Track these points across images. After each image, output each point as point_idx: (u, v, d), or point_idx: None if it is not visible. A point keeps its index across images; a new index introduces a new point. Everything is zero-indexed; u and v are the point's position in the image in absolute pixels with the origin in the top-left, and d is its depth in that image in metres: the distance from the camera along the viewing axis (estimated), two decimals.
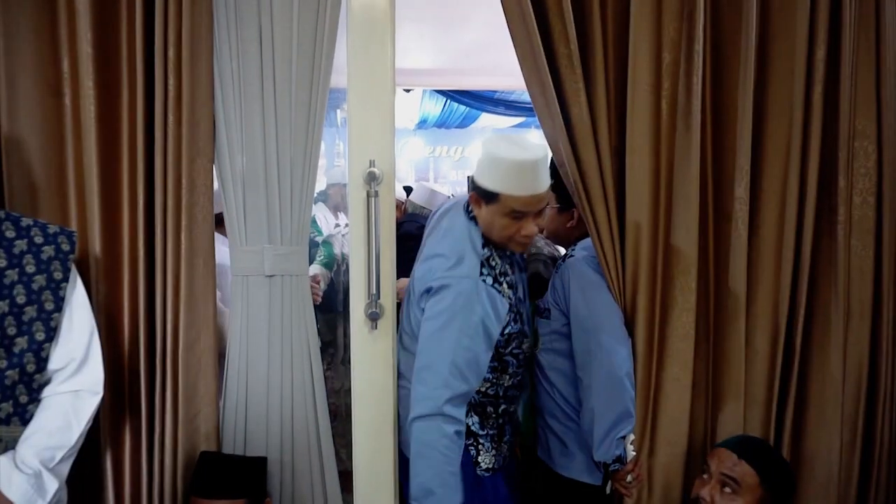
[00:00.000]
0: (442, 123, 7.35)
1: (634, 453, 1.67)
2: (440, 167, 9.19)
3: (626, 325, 1.69)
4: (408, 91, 6.94)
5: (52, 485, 1.27)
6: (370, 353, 1.76)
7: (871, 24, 1.65)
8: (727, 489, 1.45)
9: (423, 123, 8.11)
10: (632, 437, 1.66)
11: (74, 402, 1.32)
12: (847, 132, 1.64)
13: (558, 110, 1.61)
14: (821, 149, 1.65)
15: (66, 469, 1.31)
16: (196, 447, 1.64)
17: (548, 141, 1.69)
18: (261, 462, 1.60)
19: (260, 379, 1.73)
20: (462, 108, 7.17)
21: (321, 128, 1.73)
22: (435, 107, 7.32)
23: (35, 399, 1.30)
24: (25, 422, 1.28)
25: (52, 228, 1.36)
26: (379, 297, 1.72)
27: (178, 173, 1.58)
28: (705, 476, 1.51)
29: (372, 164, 1.70)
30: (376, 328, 1.75)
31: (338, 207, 3.18)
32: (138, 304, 1.60)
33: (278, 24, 1.65)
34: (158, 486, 1.63)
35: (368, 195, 1.70)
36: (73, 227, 1.57)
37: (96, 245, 1.57)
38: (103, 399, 1.40)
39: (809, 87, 1.63)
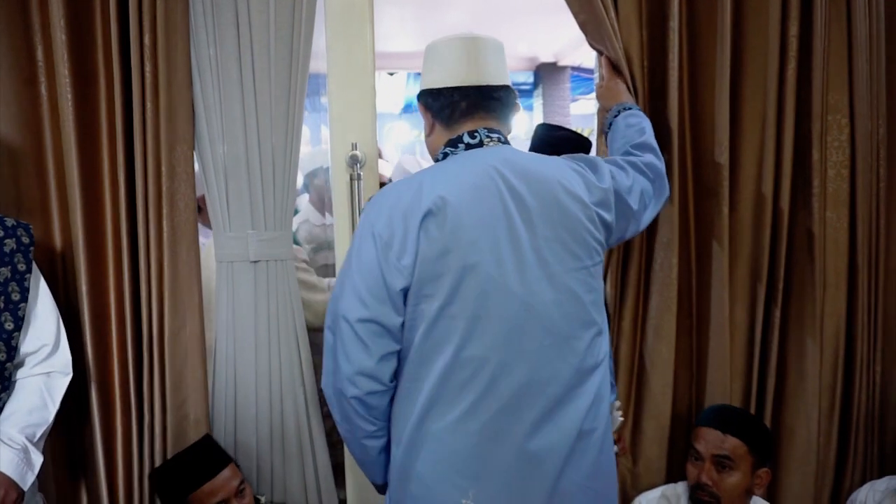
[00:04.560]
0: None
1: (622, 419, 1.70)
2: (427, 151, 9.16)
3: (614, 301, 1.71)
4: (391, 74, 6.92)
5: (38, 458, 1.32)
6: None
7: None
8: (723, 468, 1.49)
9: (408, 107, 8.07)
10: (618, 403, 1.67)
11: (48, 382, 1.39)
12: (820, 106, 1.66)
13: None
14: (795, 123, 1.67)
15: (42, 445, 1.36)
16: (185, 434, 1.65)
17: None
18: (209, 437, 1.63)
19: (248, 365, 1.73)
20: None
21: (302, 111, 1.72)
22: None
23: (7, 388, 1.35)
24: (0, 409, 1.33)
25: (9, 221, 1.39)
26: None
27: (158, 161, 1.57)
28: (697, 461, 1.54)
29: (354, 147, 1.71)
30: None
31: (323, 202, 2.55)
32: (123, 292, 1.60)
33: (255, 8, 1.63)
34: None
35: (352, 178, 1.71)
36: (55, 217, 1.57)
37: (79, 235, 1.56)
38: (94, 387, 1.47)
39: (783, 63, 1.65)
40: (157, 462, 1.63)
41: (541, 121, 7.17)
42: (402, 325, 1.16)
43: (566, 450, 1.14)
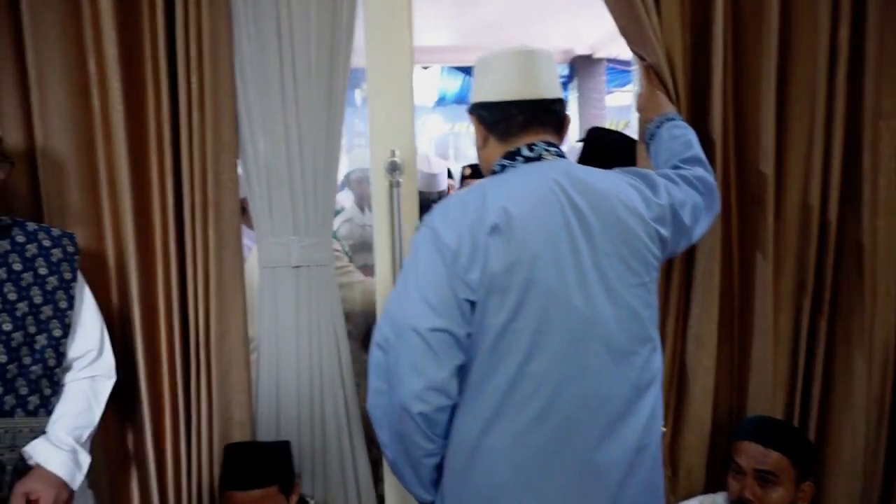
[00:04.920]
0: (461, 100, 7.30)
1: (664, 429, 1.68)
2: (460, 144, 9.14)
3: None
4: (425, 68, 6.92)
5: (86, 459, 1.37)
6: None
7: None
8: (766, 482, 1.47)
9: (442, 100, 8.05)
10: None
11: (93, 385, 1.45)
12: (872, 112, 1.61)
13: None
14: (844, 130, 1.62)
15: (89, 446, 1.42)
16: (230, 435, 1.69)
17: None
18: (285, 446, 1.65)
19: (290, 368, 1.77)
20: None
21: (342, 118, 1.75)
22: (454, 83, 7.27)
23: (57, 392, 1.41)
24: (50, 413, 1.39)
25: (55, 231, 1.45)
26: None
27: (204, 169, 1.61)
28: (738, 475, 1.52)
29: (393, 153, 1.71)
30: None
31: (363, 200, 2.78)
32: (171, 297, 1.65)
33: (297, 16, 1.66)
34: (196, 475, 1.69)
35: (391, 185, 1.71)
36: (107, 225, 1.61)
37: (130, 242, 1.61)
38: (145, 388, 1.53)
39: (833, 67, 1.60)
40: (203, 463, 1.68)
41: (576, 113, 7.09)
42: (468, 336, 1.15)
43: (626, 465, 1.15)
